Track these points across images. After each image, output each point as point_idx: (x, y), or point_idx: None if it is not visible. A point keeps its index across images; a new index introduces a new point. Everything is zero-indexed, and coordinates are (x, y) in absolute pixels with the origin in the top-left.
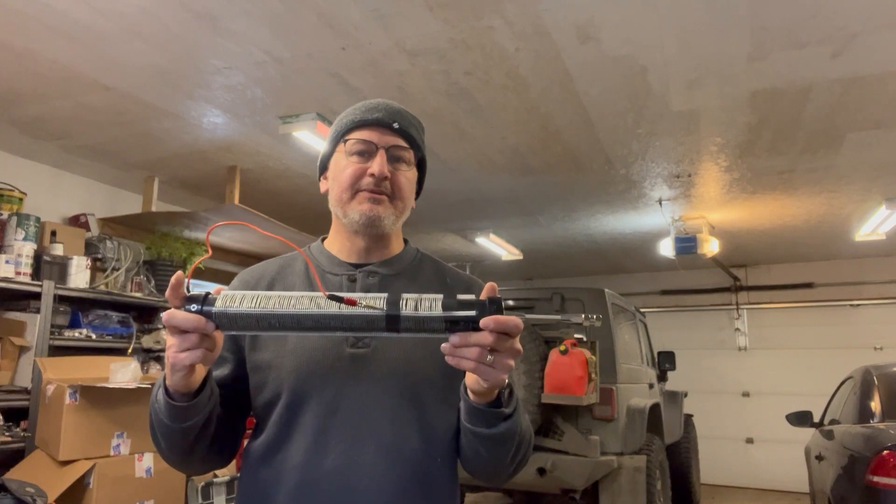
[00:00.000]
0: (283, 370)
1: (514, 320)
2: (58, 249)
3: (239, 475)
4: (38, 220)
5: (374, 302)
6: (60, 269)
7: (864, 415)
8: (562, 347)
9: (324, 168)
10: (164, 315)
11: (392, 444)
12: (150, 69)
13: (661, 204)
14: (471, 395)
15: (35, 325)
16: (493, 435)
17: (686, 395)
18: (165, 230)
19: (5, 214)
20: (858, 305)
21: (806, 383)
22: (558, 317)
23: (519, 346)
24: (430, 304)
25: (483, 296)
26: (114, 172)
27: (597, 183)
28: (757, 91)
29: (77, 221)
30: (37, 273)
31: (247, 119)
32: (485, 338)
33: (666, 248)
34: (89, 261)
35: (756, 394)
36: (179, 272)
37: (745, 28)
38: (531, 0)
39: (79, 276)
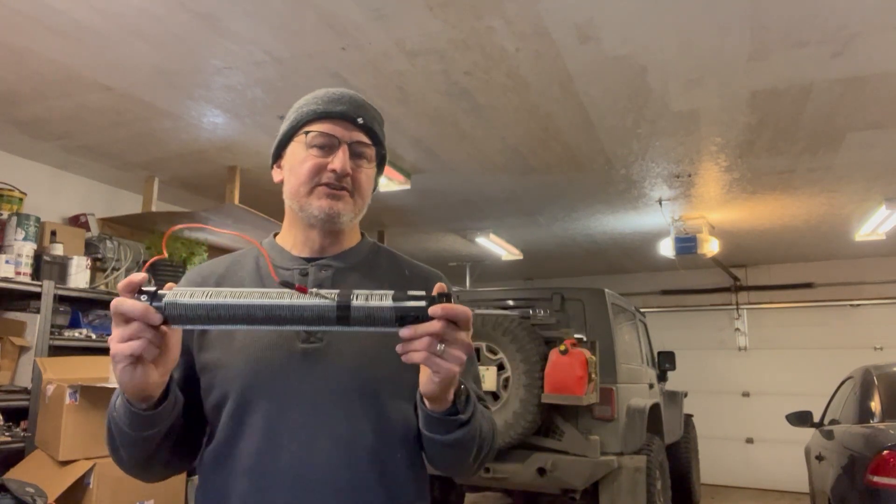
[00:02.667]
0: (230, 370)
1: (462, 308)
2: (58, 249)
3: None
4: (38, 220)
5: (324, 296)
6: (60, 269)
7: (864, 415)
8: (562, 347)
9: (278, 156)
10: (112, 302)
11: (348, 439)
12: (150, 69)
13: (661, 204)
14: (427, 404)
15: (35, 325)
16: (450, 441)
17: (686, 395)
18: (165, 230)
19: (5, 214)
20: (858, 305)
21: (806, 383)
22: (506, 311)
23: (469, 340)
24: (380, 297)
25: (434, 293)
26: (114, 172)
27: (597, 183)
28: (757, 91)
29: (77, 221)
30: (37, 273)
31: (247, 119)
32: (433, 326)
33: (666, 248)
34: (89, 261)
35: (756, 394)
36: (143, 274)
37: (745, 28)
38: (531, 0)
39: (79, 276)
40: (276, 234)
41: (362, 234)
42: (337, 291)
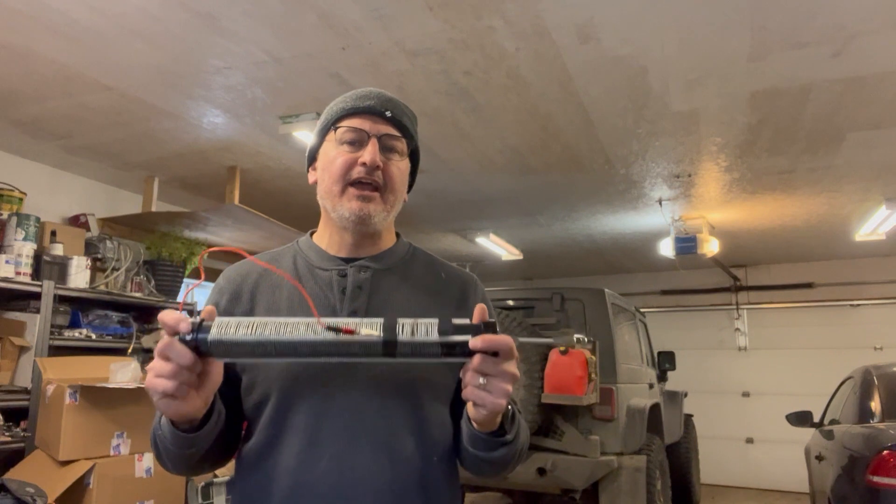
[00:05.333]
0: (272, 370)
1: (503, 339)
2: (58, 249)
3: (233, 479)
4: (38, 220)
5: (370, 328)
6: (60, 269)
7: (864, 415)
8: (562, 347)
9: (312, 158)
10: (160, 343)
11: (387, 445)
12: (150, 69)
13: (661, 204)
14: (474, 424)
15: (35, 325)
16: (492, 458)
17: (686, 395)
18: (165, 230)
19: (5, 214)
20: (858, 305)
21: (806, 383)
22: (550, 340)
23: (514, 369)
24: (426, 329)
25: (475, 320)
26: (114, 172)
27: (597, 183)
28: (757, 91)
29: (77, 221)
30: (37, 273)
31: (247, 119)
32: (472, 361)
33: (666, 248)
34: (89, 261)
35: (756, 394)
36: (188, 322)
37: (745, 28)
38: (531, 0)
39: (79, 276)
40: (312, 233)
41: (398, 235)
42: (381, 322)
